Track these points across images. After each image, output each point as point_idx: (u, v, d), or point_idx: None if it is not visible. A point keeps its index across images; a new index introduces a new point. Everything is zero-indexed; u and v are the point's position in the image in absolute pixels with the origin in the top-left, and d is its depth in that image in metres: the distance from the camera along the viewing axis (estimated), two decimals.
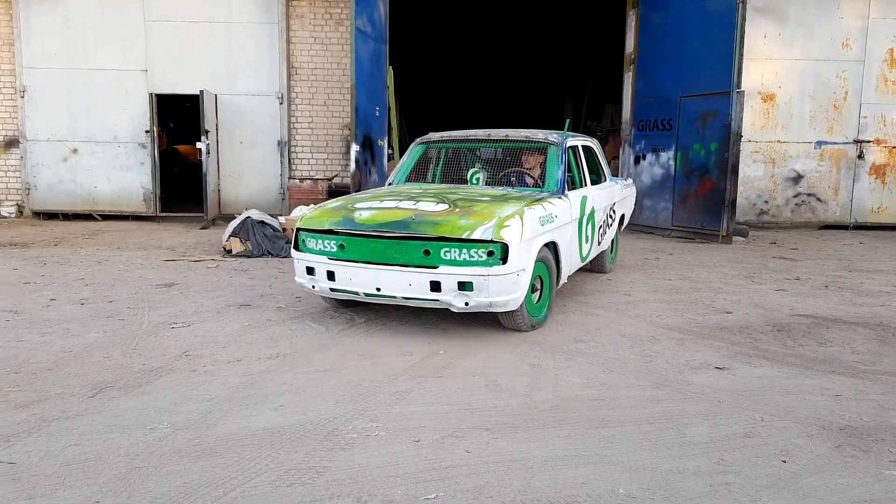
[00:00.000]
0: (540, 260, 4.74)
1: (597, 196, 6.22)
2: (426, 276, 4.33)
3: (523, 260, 4.44)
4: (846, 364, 4.23)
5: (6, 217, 11.66)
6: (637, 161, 11.28)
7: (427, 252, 4.34)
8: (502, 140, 5.99)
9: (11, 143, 11.64)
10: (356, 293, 4.60)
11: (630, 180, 8.50)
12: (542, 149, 5.92)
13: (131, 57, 11.45)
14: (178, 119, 19.27)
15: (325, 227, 4.67)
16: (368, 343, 4.49)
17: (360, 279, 4.51)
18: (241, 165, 11.74)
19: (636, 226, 11.12)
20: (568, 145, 5.81)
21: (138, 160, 11.66)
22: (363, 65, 9.77)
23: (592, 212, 6.02)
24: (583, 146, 6.34)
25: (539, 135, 5.89)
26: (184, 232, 10.41)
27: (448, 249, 4.30)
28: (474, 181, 6.07)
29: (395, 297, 4.46)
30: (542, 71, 24.79)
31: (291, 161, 11.76)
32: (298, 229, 4.83)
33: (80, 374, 3.86)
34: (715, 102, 9.72)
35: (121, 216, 11.76)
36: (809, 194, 11.90)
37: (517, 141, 5.94)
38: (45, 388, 3.66)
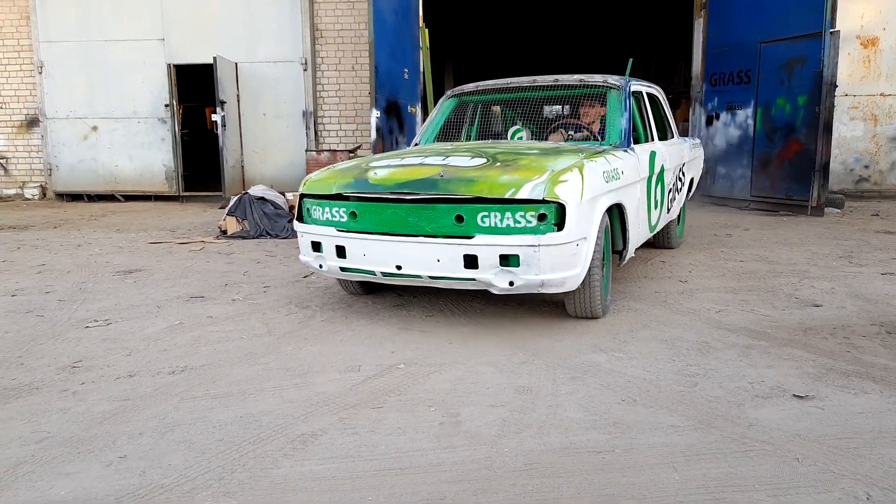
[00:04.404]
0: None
1: (665, 153, 5.16)
2: (459, 248, 3.37)
3: (585, 225, 3.45)
4: None
5: (29, 199, 11.17)
6: (709, 122, 9.70)
7: (460, 218, 3.37)
8: (550, 87, 4.89)
9: (32, 123, 11.11)
10: (372, 272, 3.63)
11: (698, 140, 7.33)
12: (600, 95, 4.80)
13: (147, 26, 10.67)
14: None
15: (333, 192, 3.71)
16: (311, 352, 3.37)
17: (377, 255, 3.56)
18: (266, 139, 10.83)
19: (707, 197, 9.59)
20: (632, 90, 4.80)
21: (159, 136, 10.92)
22: (385, 19, 8.60)
23: (662, 171, 4.99)
24: (647, 93, 5.29)
25: (596, 78, 4.81)
26: (200, 212, 9.59)
27: (487, 214, 3.33)
28: (517, 140, 5.08)
29: (419, 276, 3.49)
30: (607, 31, 22.91)
31: (318, 133, 10.76)
32: (302, 195, 3.92)
33: None
34: (803, 47, 8.06)
35: (144, 196, 11.08)
36: None
37: (569, 87, 4.83)
38: None
